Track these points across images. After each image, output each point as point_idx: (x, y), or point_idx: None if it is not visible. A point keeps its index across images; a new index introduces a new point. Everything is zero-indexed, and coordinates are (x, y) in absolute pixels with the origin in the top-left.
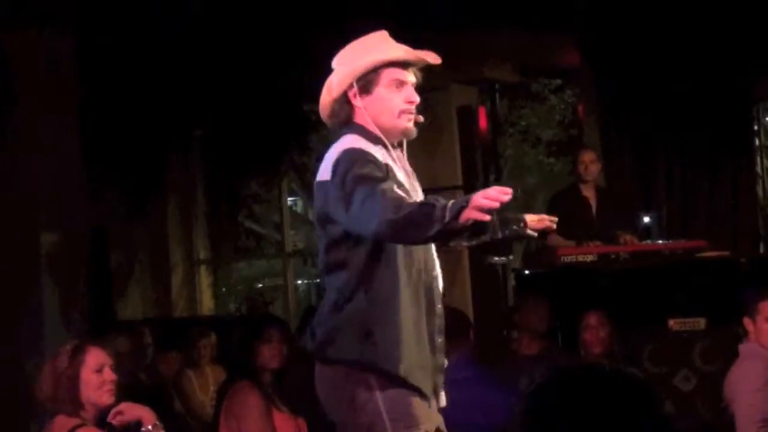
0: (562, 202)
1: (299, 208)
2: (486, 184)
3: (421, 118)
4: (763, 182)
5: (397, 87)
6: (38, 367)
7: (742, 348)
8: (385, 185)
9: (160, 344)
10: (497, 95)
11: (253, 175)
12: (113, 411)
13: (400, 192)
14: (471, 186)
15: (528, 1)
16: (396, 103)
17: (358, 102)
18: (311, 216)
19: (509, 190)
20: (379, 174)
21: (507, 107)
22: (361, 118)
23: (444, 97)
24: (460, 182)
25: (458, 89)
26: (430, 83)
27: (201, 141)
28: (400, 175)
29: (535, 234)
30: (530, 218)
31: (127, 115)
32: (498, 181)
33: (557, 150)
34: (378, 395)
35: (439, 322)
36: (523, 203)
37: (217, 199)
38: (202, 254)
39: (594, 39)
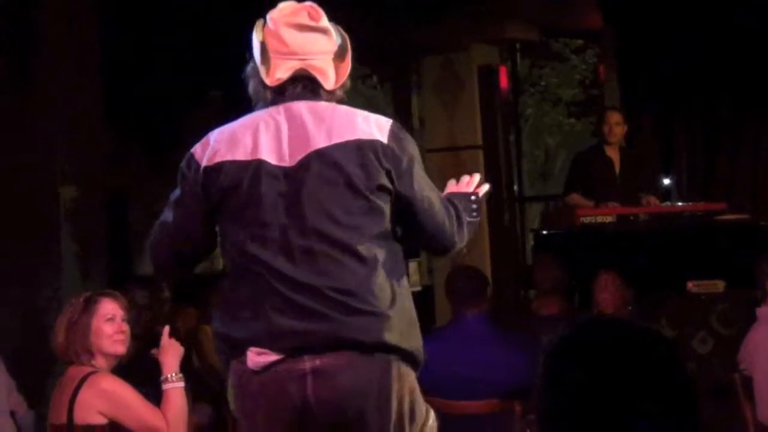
0: (585, 161)
1: None
2: (506, 144)
3: None
4: None
5: None
6: (55, 318)
7: (760, 312)
8: None
9: (178, 299)
10: (518, 55)
11: None
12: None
13: None
14: (491, 145)
15: None
16: None
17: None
18: None
19: None
20: None
21: (528, 67)
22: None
23: (465, 57)
24: (479, 141)
25: (479, 49)
26: (451, 43)
27: (220, 100)
28: None
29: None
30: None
31: (146, 75)
32: (518, 141)
33: (577, 110)
34: None
35: None
36: (543, 163)
37: None
38: None
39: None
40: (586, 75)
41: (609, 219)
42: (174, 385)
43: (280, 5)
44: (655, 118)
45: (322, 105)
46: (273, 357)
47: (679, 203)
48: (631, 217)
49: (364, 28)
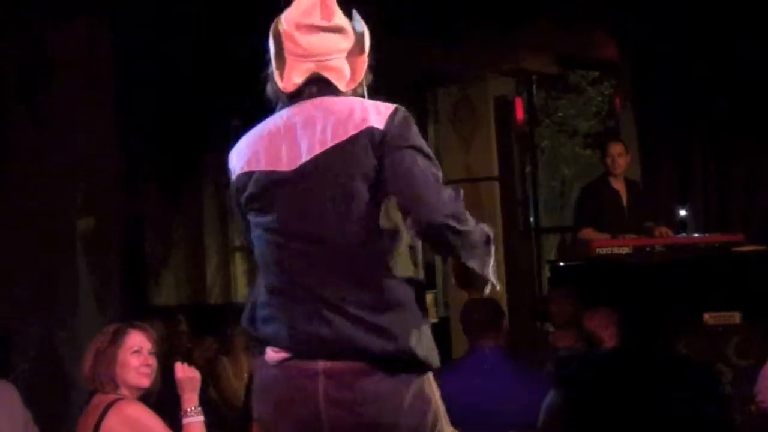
0: (592, 195)
1: None
2: (522, 175)
3: None
4: None
5: None
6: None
7: None
8: None
9: (195, 331)
10: (534, 86)
11: None
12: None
13: None
14: (507, 176)
15: None
16: None
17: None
18: None
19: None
20: None
21: (544, 98)
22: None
23: (481, 88)
24: (495, 173)
25: (496, 80)
26: (468, 74)
27: (238, 129)
28: None
29: None
30: None
31: (164, 103)
32: (534, 172)
33: (594, 141)
34: None
35: None
36: (559, 194)
37: None
38: (238, 241)
39: (632, 31)
40: (602, 106)
41: (626, 250)
42: (194, 419)
43: (296, 2)
44: (671, 149)
45: (330, 100)
46: (286, 354)
47: (696, 234)
48: (648, 249)
49: (380, 57)
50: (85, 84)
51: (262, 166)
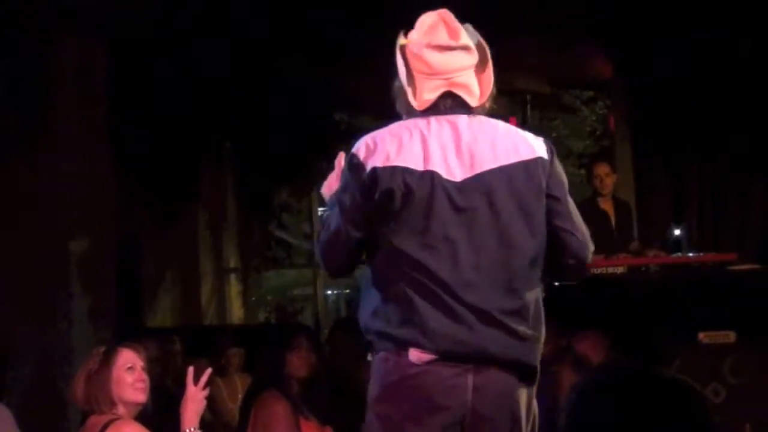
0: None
1: None
2: None
3: None
4: None
5: None
6: (68, 373)
7: None
8: None
9: (189, 352)
10: (528, 106)
11: (283, 184)
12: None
13: None
14: None
15: (560, 13)
16: None
17: None
18: None
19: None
20: None
21: (538, 118)
22: None
23: None
24: None
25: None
26: None
27: (232, 150)
28: None
29: None
30: None
31: (158, 124)
32: None
33: (588, 162)
34: None
35: None
36: None
37: (247, 208)
38: (232, 263)
39: (626, 51)
40: (597, 126)
41: (620, 270)
42: None
43: (419, 21)
44: (665, 169)
45: (482, 120)
46: (433, 356)
47: (690, 254)
48: (642, 268)
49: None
50: (79, 102)
51: (412, 164)
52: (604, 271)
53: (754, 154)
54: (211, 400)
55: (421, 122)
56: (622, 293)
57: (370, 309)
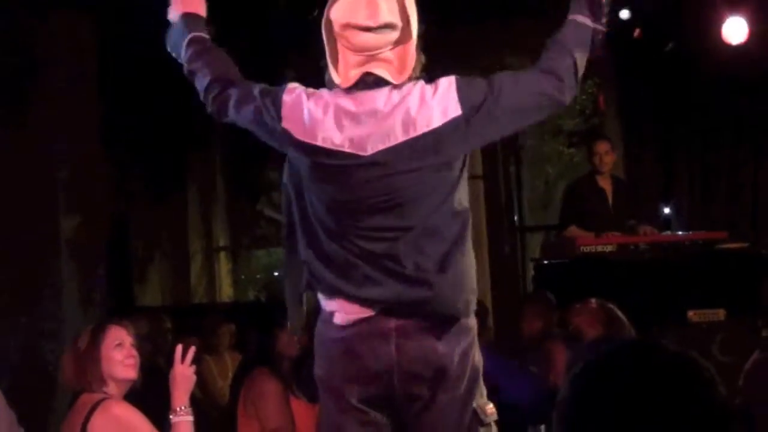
0: (578, 193)
1: None
2: (506, 174)
3: None
4: None
5: None
6: (57, 352)
7: None
8: None
9: (180, 330)
10: None
11: (272, 162)
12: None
13: None
14: (492, 175)
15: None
16: None
17: None
18: None
19: None
20: None
21: None
22: None
23: None
24: (480, 172)
25: None
26: (449, 73)
27: (221, 129)
28: None
29: None
30: None
31: (148, 103)
32: (518, 171)
33: (578, 140)
34: None
35: None
36: (543, 192)
37: (236, 186)
38: (222, 241)
39: (614, 29)
40: (586, 105)
41: (609, 248)
42: (182, 419)
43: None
44: (655, 147)
45: (394, 91)
46: (362, 314)
47: (680, 232)
48: (632, 247)
49: None
50: (69, 80)
51: (327, 142)
52: (594, 250)
53: (744, 133)
54: (201, 378)
55: (340, 94)
56: (611, 271)
57: None
